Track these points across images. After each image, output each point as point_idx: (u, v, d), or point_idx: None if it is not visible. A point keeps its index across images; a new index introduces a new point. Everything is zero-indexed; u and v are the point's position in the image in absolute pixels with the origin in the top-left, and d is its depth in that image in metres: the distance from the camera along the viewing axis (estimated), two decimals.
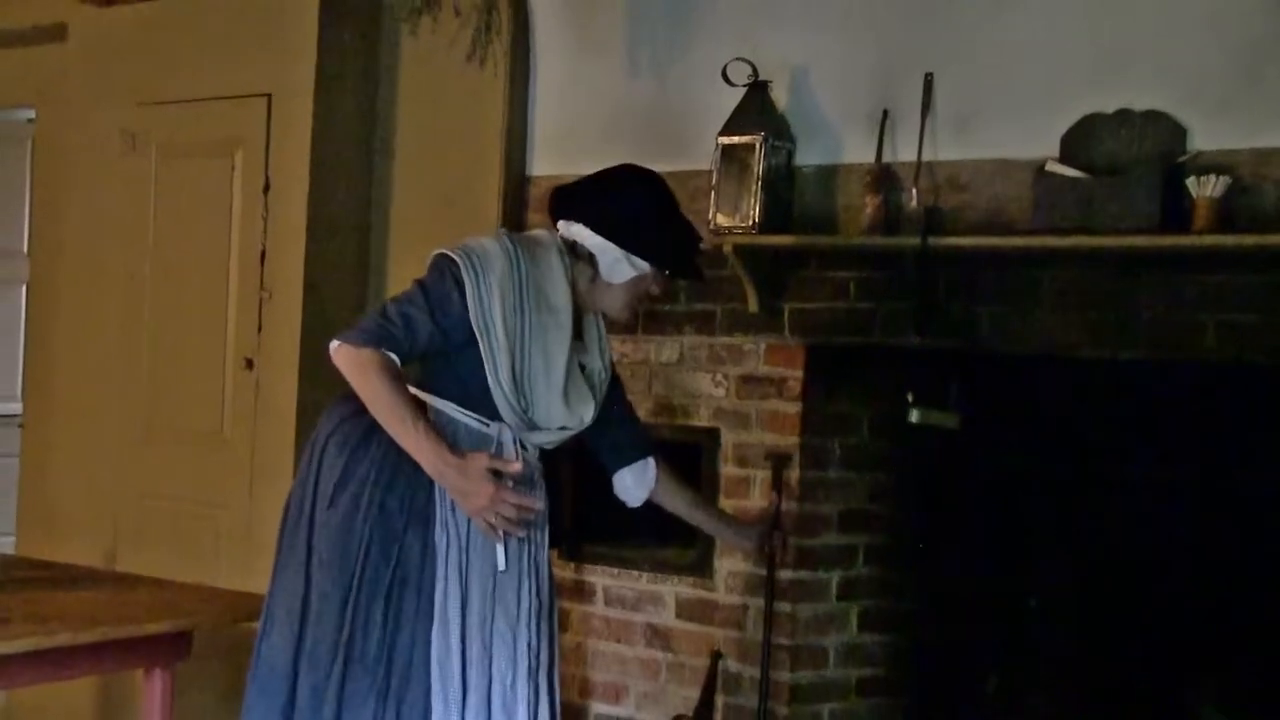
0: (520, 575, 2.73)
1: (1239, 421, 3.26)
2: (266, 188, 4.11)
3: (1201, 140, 2.94)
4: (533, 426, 2.73)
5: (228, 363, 4.15)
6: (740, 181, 3.39)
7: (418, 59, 3.93)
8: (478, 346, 2.63)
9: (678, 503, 3.09)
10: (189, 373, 4.23)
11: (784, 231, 3.39)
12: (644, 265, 2.78)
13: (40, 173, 5.07)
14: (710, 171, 3.45)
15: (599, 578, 3.76)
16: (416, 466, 2.61)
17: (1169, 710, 3.49)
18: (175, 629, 3.08)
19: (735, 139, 3.40)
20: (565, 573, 3.76)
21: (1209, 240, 2.84)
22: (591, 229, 2.77)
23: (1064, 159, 3.05)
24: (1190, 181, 2.87)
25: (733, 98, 3.43)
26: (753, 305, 3.47)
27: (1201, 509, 3.39)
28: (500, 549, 2.66)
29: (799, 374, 3.48)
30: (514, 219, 3.89)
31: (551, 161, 3.88)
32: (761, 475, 3.52)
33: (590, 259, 2.78)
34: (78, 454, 4.52)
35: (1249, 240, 2.82)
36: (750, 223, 3.37)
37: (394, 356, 2.63)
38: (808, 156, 3.45)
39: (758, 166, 3.36)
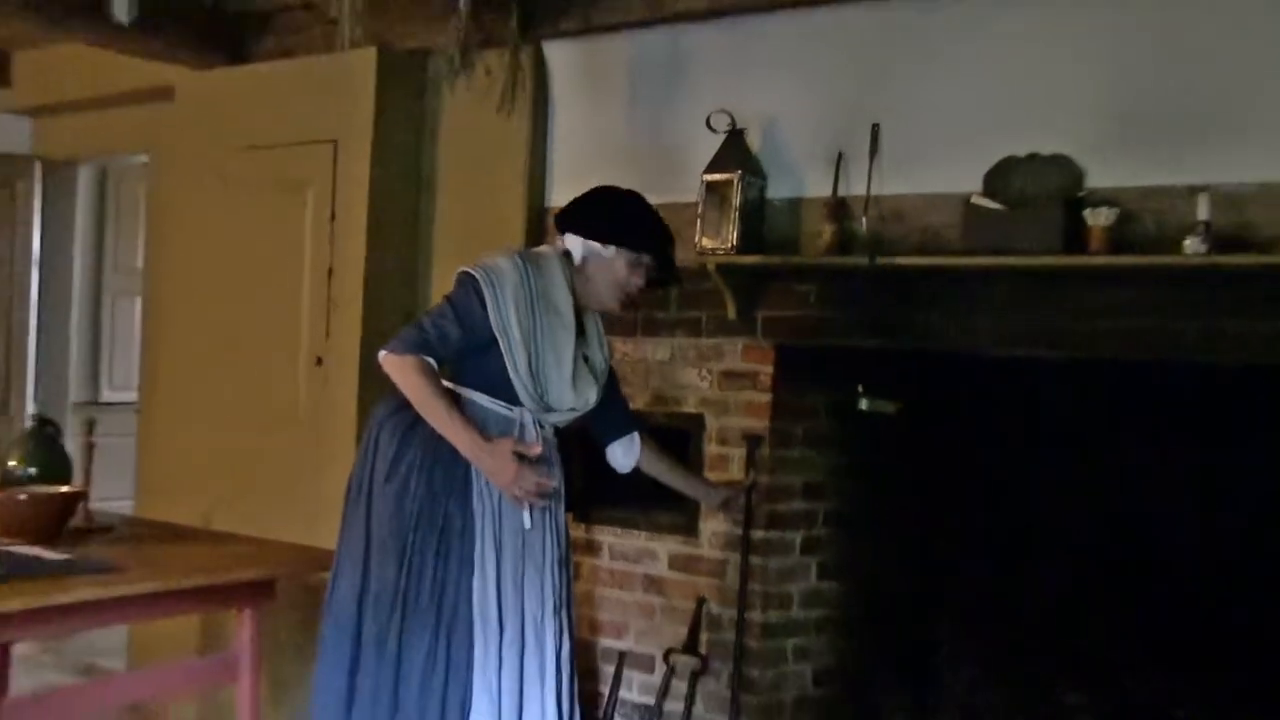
0: (544, 532, 2.79)
1: (1129, 407, 3.28)
2: (333, 217, 4.13)
3: (1095, 179, 2.97)
4: (547, 409, 2.78)
5: (301, 360, 4.18)
6: (721, 211, 3.39)
7: (456, 111, 3.94)
8: (499, 347, 2.69)
9: (659, 468, 3.15)
10: (270, 368, 4.25)
11: (757, 252, 3.40)
12: (630, 254, 2.83)
13: (152, 206, 5.08)
14: (696, 203, 3.45)
15: (605, 536, 3.78)
16: (454, 450, 2.68)
17: (1060, 633, 3.50)
18: (261, 577, 3.12)
19: (717, 176, 3.41)
20: (578, 532, 3.77)
21: (1102, 260, 2.87)
22: (580, 235, 2.83)
23: (986, 193, 3.07)
24: (1086, 212, 2.90)
25: (714, 142, 3.45)
26: (731, 313, 3.49)
27: (1096, 477, 3.42)
28: (526, 513, 2.73)
29: (769, 369, 3.49)
30: (535, 241, 3.90)
31: (566, 194, 3.71)
32: (738, 453, 3.52)
33: (584, 262, 2.84)
34: (182, 435, 4.55)
35: (1134, 260, 2.85)
36: (729, 245, 3.38)
37: (432, 361, 2.69)
38: (776, 191, 3.46)
39: (735, 199, 3.37)
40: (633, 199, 2.94)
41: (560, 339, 2.76)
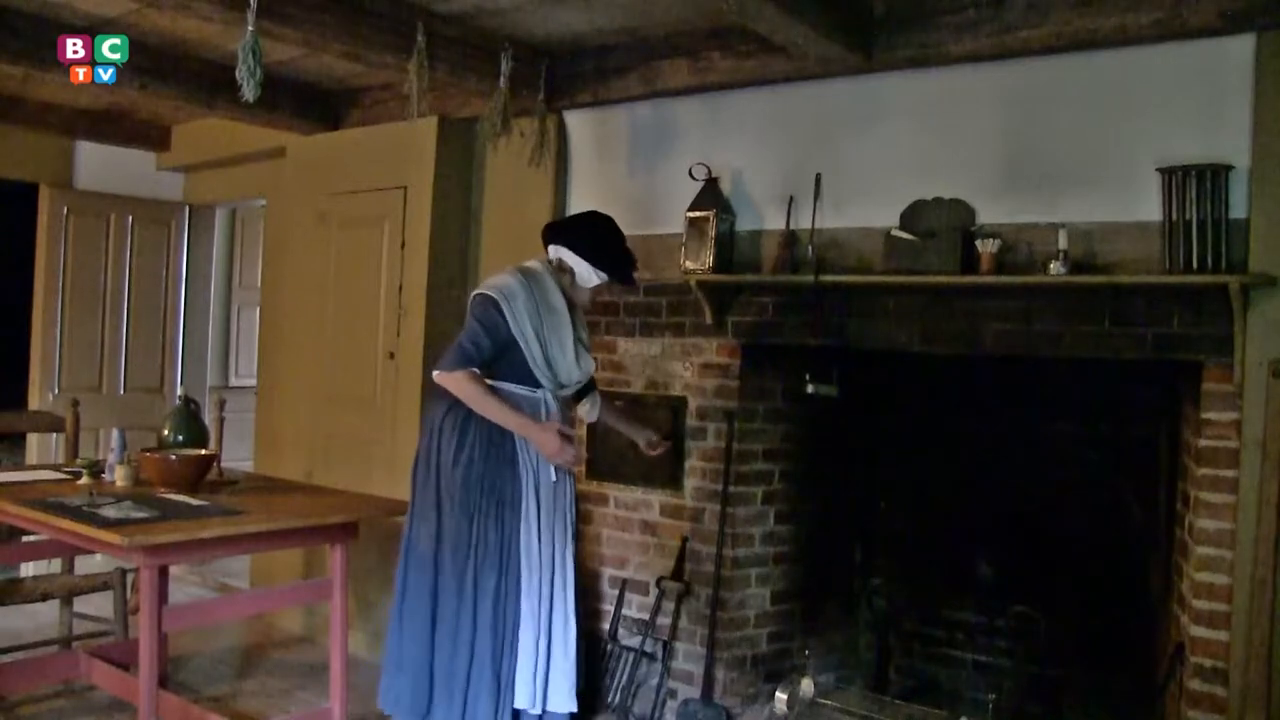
0: (563, 485, 2.88)
1: (1007, 391, 3.29)
2: (403, 245, 4.11)
3: (984, 217, 2.98)
4: (560, 386, 2.85)
5: (378, 355, 4.17)
6: (700, 240, 3.39)
7: (497, 164, 3.95)
8: (518, 346, 2.74)
9: (612, 418, 3.20)
10: (355, 361, 4.25)
11: (727, 271, 3.39)
12: (604, 275, 2.89)
13: (268, 238, 5.08)
14: (681, 234, 3.45)
15: (611, 490, 3.75)
16: (502, 434, 2.74)
17: (957, 562, 3.52)
18: (348, 520, 3.14)
19: (697, 213, 3.41)
20: (590, 488, 3.77)
21: (989, 279, 2.88)
22: (572, 250, 2.87)
23: (903, 227, 3.07)
24: (978, 242, 2.92)
25: (694, 188, 3.45)
26: (708, 318, 3.47)
27: (983, 442, 3.43)
28: (551, 471, 2.81)
29: (737, 362, 3.48)
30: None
31: None
32: (713, 425, 3.50)
33: (571, 271, 2.88)
34: (289, 410, 4.54)
35: (1013, 279, 2.86)
36: (707, 266, 3.37)
37: (476, 370, 2.73)
38: (743, 224, 3.45)
39: (711, 231, 3.36)
40: (616, 231, 2.96)
41: (561, 332, 2.81)
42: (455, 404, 2.77)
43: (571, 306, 2.89)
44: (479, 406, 2.73)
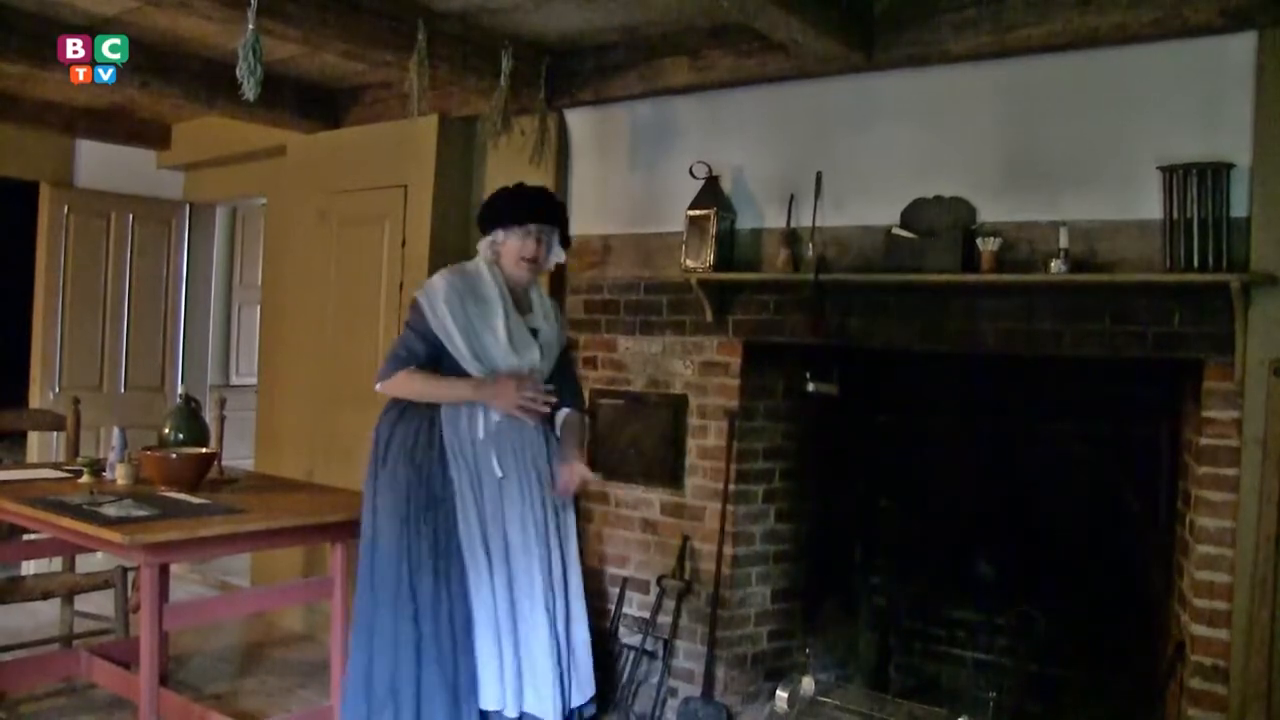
0: (520, 482, 2.70)
1: (1008, 390, 3.28)
2: (403, 244, 4.10)
3: (985, 215, 2.98)
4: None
5: (379, 353, 3.93)
6: (701, 239, 3.38)
7: (498, 163, 3.93)
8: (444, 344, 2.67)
9: (563, 436, 2.88)
10: (355, 359, 4.21)
11: (728, 270, 3.38)
12: (503, 234, 2.74)
13: (269, 236, 5.08)
14: (682, 232, 3.44)
15: (613, 489, 3.74)
16: (430, 433, 2.64)
17: (966, 568, 3.50)
18: (348, 518, 3.07)
19: (697, 212, 3.40)
20: (593, 487, 3.64)
21: (990, 278, 2.88)
22: (481, 233, 2.80)
23: (903, 226, 3.07)
24: (979, 241, 2.91)
25: (695, 186, 3.44)
26: (709, 316, 3.46)
27: (981, 441, 3.42)
28: (495, 463, 2.66)
29: (738, 360, 3.46)
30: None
31: (581, 226, 3.80)
32: (714, 424, 3.49)
33: (496, 254, 2.76)
34: (290, 408, 4.54)
35: (1013, 278, 2.86)
36: (707, 265, 3.36)
37: (420, 368, 2.67)
38: (743, 223, 3.44)
39: (712, 229, 3.35)
40: (499, 191, 2.85)
41: (492, 320, 2.68)
42: (385, 414, 2.74)
43: (519, 296, 2.77)
44: (429, 394, 2.67)
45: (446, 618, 2.64)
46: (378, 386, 2.73)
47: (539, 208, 2.80)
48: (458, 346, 2.67)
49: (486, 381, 2.66)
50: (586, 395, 3.79)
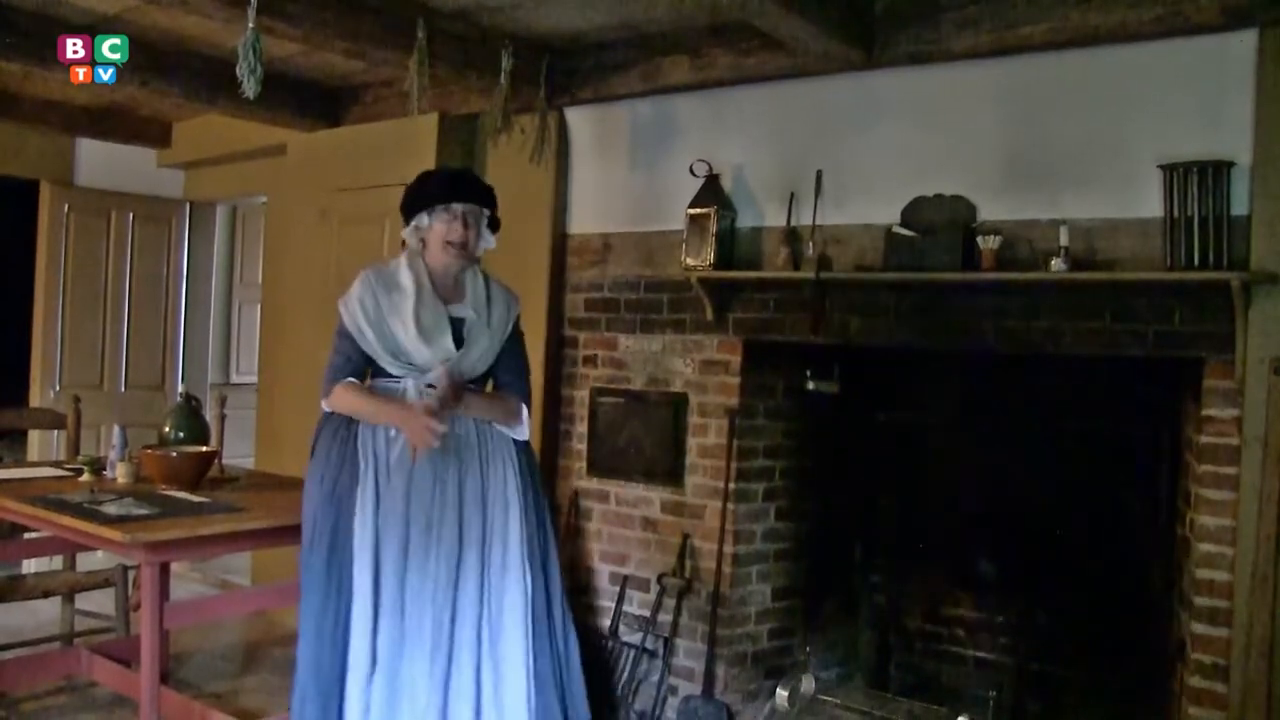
0: (440, 486, 2.55)
1: (1008, 385, 3.27)
2: (404, 243, 3.89)
3: (985, 213, 2.97)
4: (420, 371, 2.58)
5: None
6: (701, 237, 3.37)
7: (498, 161, 3.92)
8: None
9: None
10: None
11: (728, 268, 3.38)
12: (425, 220, 2.61)
13: (269, 235, 5.08)
14: (682, 231, 3.44)
15: (612, 487, 3.74)
16: (349, 432, 2.57)
17: (966, 567, 3.51)
18: None
19: (698, 210, 3.39)
20: (590, 484, 3.77)
21: (990, 276, 2.88)
22: (406, 226, 2.67)
23: (903, 224, 3.06)
24: (979, 239, 2.90)
25: (695, 185, 3.44)
26: (709, 315, 3.46)
27: (980, 440, 3.42)
28: (406, 456, 2.52)
29: (738, 358, 3.46)
30: (557, 261, 3.90)
31: (582, 225, 3.89)
32: (715, 422, 3.49)
33: (421, 244, 2.64)
34: (291, 407, 4.52)
35: (1013, 276, 2.86)
36: (708, 263, 3.35)
37: (350, 379, 2.59)
38: (744, 221, 3.43)
39: (712, 228, 3.35)
40: (420, 174, 2.72)
41: (402, 309, 2.56)
42: (320, 424, 2.66)
43: (446, 286, 2.63)
44: (361, 412, 2.58)
45: (332, 612, 2.50)
46: (324, 405, 2.65)
47: (464, 187, 2.66)
48: (370, 343, 2.58)
49: (400, 409, 2.53)
50: (587, 394, 3.85)
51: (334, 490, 2.57)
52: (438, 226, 2.63)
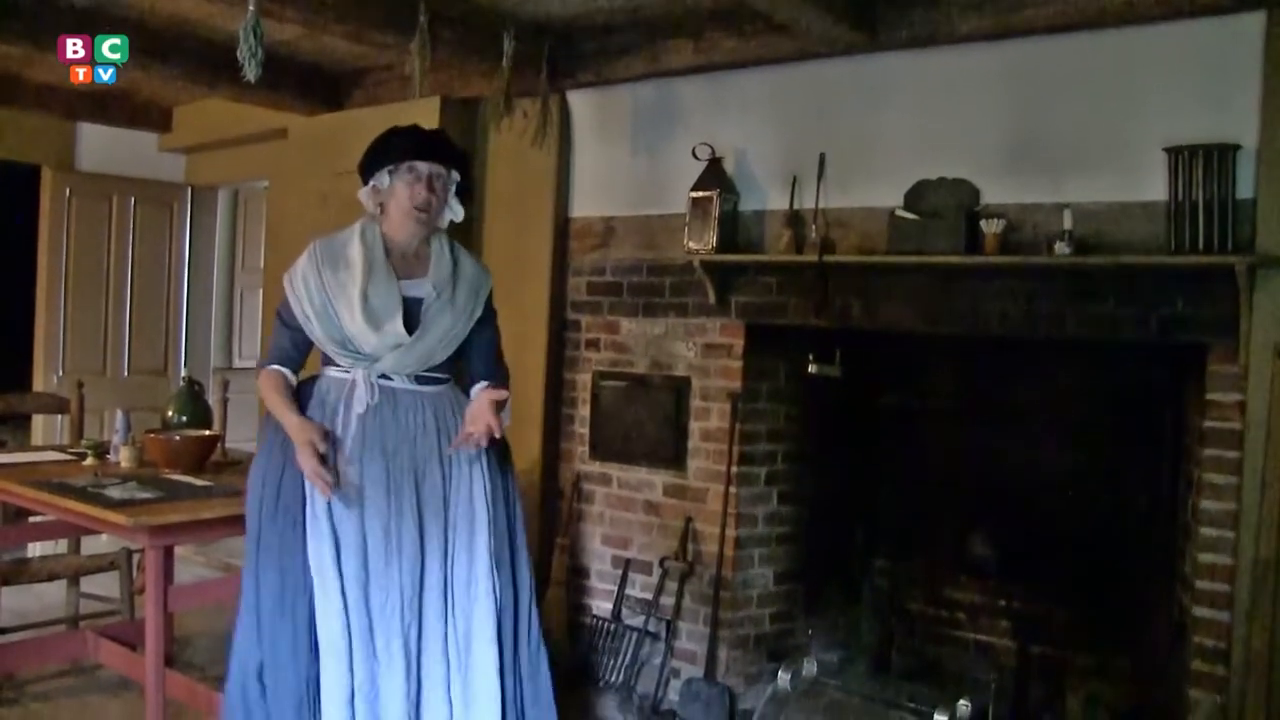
0: (399, 480, 2.30)
1: (1011, 369, 3.27)
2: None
3: (989, 197, 2.96)
4: (372, 360, 2.30)
5: None
6: (704, 221, 3.37)
7: (500, 144, 3.91)
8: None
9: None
10: None
11: (731, 251, 3.37)
12: (383, 180, 2.35)
13: (271, 219, 5.07)
14: (684, 214, 3.43)
15: (614, 470, 3.74)
16: (287, 443, 2.30)
17: (968, 551, 3.51)
18: None
19: (700, 194, 3.39)
20: (592, 467, 3.78)
21: (994, 260, 2.87)
22: (364, 187, 2.40)
23: (906, 207, 3.05)
24: (982, 223, 2.90)
25: (698, 168, 3.43)
26: (712, 298, 3.46)
27: (982, 423, 3.41)
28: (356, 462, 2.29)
29: (741, 342, 3.46)
30: (560, 244, 3.89)
31: (584, 208, 3.88)
32: (717, 406, 3.49)
33: (380, 208, 2.38)
34: None
35: (1017, 260, 2.85)
36: (710, 247, 3.35)
37: (278, 368, 2.35)
38: (746, 205, 3.42)
39: (715, 211, 3.35)
40: (383, 132, 2.40)
41: (349, 289, 2.28)
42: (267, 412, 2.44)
43: (406, 259, 2.36)
44: (270, 409, 2.35)
45: (291, 611, 2.29)
46: (258, 376, 2.41)
47: (432, 146, 2.36)
48: (314, 330, 2.30)
49: (297, 428, 2.26)
50: (589, 377, 3.85)
51: (278, 498, 2.32)
52: (399, 188, 2.32)
